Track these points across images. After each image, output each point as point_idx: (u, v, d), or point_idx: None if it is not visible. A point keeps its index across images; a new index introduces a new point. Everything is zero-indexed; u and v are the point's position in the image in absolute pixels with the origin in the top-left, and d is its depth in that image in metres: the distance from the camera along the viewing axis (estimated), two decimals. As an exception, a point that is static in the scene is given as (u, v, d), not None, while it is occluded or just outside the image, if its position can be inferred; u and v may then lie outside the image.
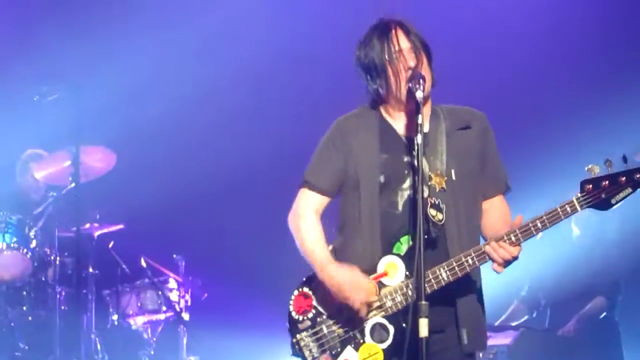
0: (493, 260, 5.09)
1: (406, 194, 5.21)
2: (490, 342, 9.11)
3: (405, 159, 5.24)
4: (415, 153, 5.03)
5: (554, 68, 10.31)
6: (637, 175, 5.01)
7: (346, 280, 5.13)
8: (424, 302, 4.72)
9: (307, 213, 5.37)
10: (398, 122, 5.31)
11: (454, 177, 5.22)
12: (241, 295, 10.71)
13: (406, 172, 5.22)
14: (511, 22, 10.38)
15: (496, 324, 9.31)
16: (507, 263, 5.10)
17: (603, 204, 5.07)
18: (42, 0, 10.97)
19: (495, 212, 5.36)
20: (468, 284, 5.23)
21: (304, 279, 5.35)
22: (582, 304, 9.04)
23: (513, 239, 5.06)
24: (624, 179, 5.03)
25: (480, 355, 8.34)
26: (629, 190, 5.04)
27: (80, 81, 8.73)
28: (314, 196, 5.40)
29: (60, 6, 10.93)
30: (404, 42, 5.22)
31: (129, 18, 11.01)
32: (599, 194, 5.05)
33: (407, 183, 5.22)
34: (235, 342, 10.75)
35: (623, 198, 5.06)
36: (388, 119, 5.34)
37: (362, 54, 5.30)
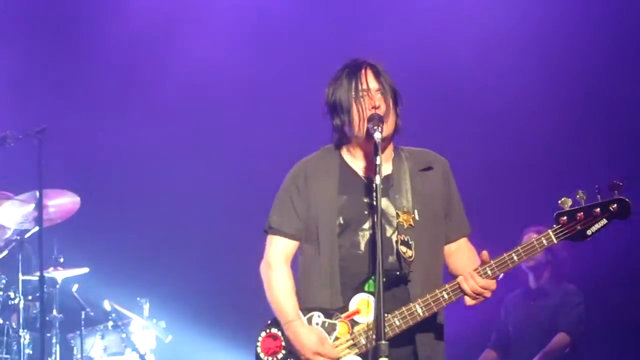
0: (465, 293, 5.12)
1: (368, 234, 5.24)
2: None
3: (365, 199, 5.27)
4: (374, 194, 5.06)
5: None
6: (613, 207, 5.07)
7: (311, 343, 5.14)
8: (383, 342, 4.74)
9: (277, 263, 5.36)
10: (359, 162, 5.36)
11: (417, 217, 5.27)
12: (205, 337, 10.70)
13: (366, 212, 5.25)
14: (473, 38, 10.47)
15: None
16: (480, 297, 5.13)
17: (578, 236, 5.12)
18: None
19: (465, 253, 5.44)
20: (431, 323, 5.24)
21: (270, 321, 5.33)
22: (545, 341, 8.96)
23: (489, 272, 5.12)
24: (598, 210, 5.09)
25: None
26: (605, 221, 5.09)
27: (43, 125, 8.73)
28: (283, 242, 5.39)
29: (24, 50, 10.97)
30: (372, 83, 5.26)
31: (94, 62, 11.06)
32: (575, 226, 5.11)
33: (368, 223, 5.25)
34: (199, 384, 10.78)
35: (599, 229, 5.11)
36: (349, 160, 5.38)
37: (330, 91, 5.34)
